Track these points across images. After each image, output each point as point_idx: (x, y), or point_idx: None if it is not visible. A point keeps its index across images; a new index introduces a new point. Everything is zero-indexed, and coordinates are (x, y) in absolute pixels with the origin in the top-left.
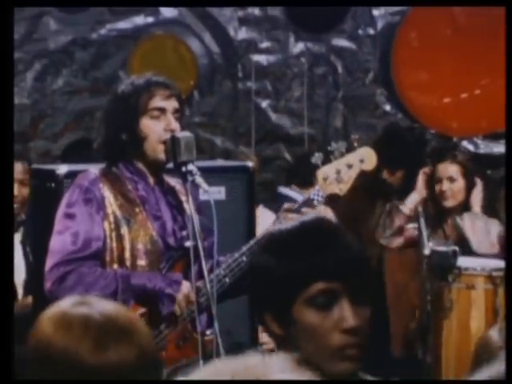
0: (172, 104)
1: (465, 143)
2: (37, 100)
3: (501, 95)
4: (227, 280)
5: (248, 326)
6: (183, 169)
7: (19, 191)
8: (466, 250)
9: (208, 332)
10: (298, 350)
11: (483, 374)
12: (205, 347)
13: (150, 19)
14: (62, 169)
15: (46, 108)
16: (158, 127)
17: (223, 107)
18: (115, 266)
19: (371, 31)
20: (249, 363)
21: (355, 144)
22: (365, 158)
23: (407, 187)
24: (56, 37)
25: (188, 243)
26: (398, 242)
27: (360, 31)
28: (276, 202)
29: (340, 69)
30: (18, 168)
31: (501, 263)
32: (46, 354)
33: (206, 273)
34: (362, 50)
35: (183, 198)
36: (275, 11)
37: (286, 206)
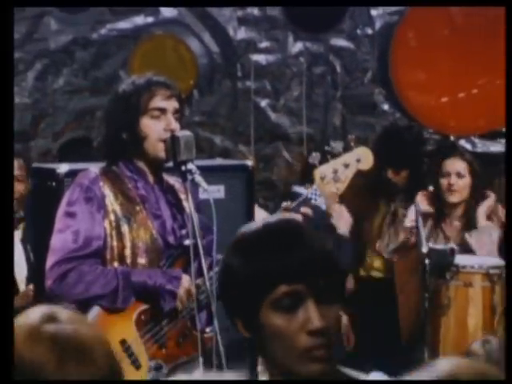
0: (172, 104)
1: (462, 142)
2: (38, 99)
3: (498, 95)
4: None
5: None
6: (183, 168)
7: (15, 188)
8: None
9: (208, 329)
10: (268, 353)
11: (428, 373)
12: (204, 345)
13: (150, 19)
14: (63, 168)
15: (46, 107)
16: (159, 127)
17: (222, 106)
18: (116, 264)
19: (369, 31)
20: None
21: (352, 144)
22: (361, 157)
23: (412, 186)
24: (57, 36)
25: (187, 241)
26: (400, 255)
27: (358, 31)
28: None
29: (338, 68)
30: (14, 165)
31: (498, 261)
32: (16, 361)
33: (205, 270)
34: (360, 50)
35: (182, 197)
36: (274, 11)
37: (284, 204)
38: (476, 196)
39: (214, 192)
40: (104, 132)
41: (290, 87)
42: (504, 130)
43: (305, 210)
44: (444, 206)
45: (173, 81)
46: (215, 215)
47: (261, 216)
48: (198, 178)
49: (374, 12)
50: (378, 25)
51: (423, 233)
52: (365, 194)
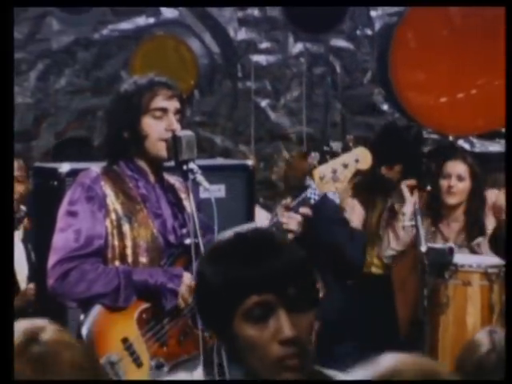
0: (174, 104)
1: (461, 142)
2: (40, 99)
3: (497, 95)
4: None
5: None
6: (184, 167)
7: (15, 188)
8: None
9: None
10: (244, 363)
11: (373, 369)
12: (205, 343)
13: (152, 20)
14: (64, 167)
15: (48, 107)
16: (160, 127)
17: (223, 106)
18: (117, 263)
19: (369, 32)
20: None
21: (350, 144)
22: (360, 157)
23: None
24: (59, 37)
25: (188, 240)
26: (398, 260)
27: (358, 32)
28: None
29: (338, 69)
30: (14, 165)
31: (496, 260)
32: None
33: None
34: (360, 51)
35: (183, 196)
36: (274, 12)
37: (284, 202)
38: (475, 199)
39: (214, 191)
40: (105, 131)
41: (290, 87)
42: (503, 130)
43: (304, 209)
44: (442, 207)
45: (174, 81)
46: (216, 214)
47: (261, 215)
48: (200, 178)
49: (373, 13)
50: (377, 25)
51: (422, 232)
52: (360, 191)
